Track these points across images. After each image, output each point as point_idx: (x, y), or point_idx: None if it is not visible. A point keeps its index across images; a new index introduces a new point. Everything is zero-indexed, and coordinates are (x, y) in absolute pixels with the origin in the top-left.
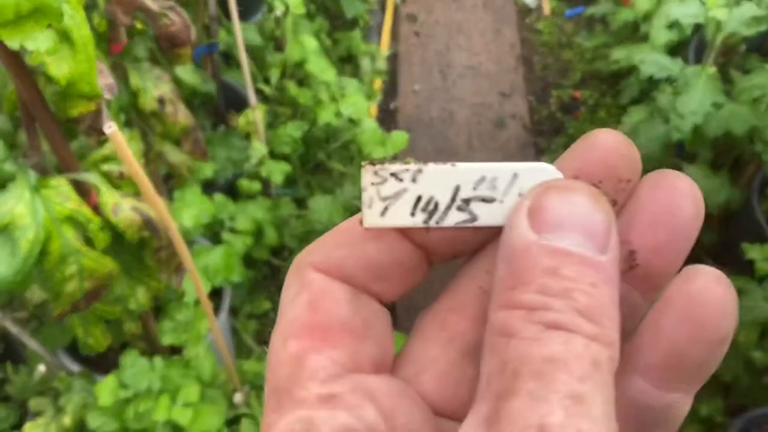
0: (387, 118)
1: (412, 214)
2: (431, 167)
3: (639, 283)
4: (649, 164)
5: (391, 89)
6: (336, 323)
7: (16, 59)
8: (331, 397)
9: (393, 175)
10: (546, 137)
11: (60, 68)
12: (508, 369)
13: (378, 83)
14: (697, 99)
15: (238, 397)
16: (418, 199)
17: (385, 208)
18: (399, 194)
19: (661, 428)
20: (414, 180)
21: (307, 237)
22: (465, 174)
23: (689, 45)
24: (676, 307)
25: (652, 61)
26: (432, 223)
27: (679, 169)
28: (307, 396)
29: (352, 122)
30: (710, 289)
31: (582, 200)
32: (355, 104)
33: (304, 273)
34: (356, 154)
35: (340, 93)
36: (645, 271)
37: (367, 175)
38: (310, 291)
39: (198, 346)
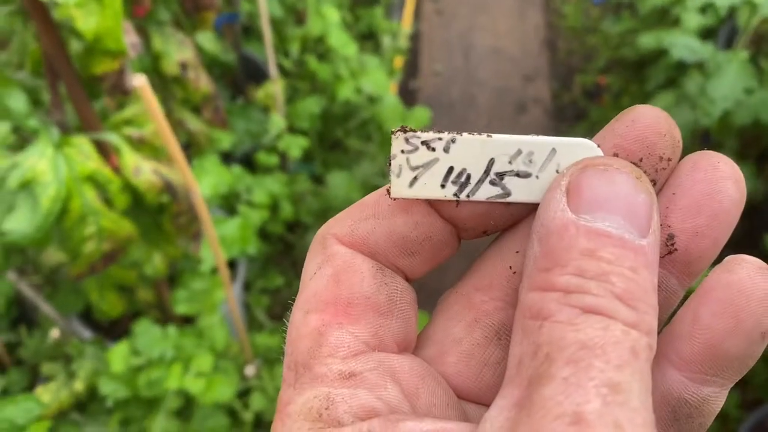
0: (407, 98)
1: (443, 186)
2: (466, 137)
3: (676, 269)
4: None
5: (411, 69)
6: (360, 298)
7: (43, 13)
8: (352, 375)
9: (425, 143)
10: (568, 123)
11: (87, 22)
12: (541, 353)
13: (399, 62)
14: (728, 83)
15: (249, 370)
16: (450, 170)
17: (415, 178)
18: (430, 164)
19: (695, 422)
20: (446, 150)
21: (324, 213)
22: (500, 146)
23: (719, 32)
24: (716, 298)
25: (683, 44)
26: (463, 196)
27: None
28: (327, 372)
29: (372, 100)
30: (753, 280)
31: (623, 179)
32: (376, 81)
33: (327, 245)
34: (375, 131)
35: (360, 69)
36: (683, 256)
37: (397, 142)
38: (333, 264)
39: (212, 315)
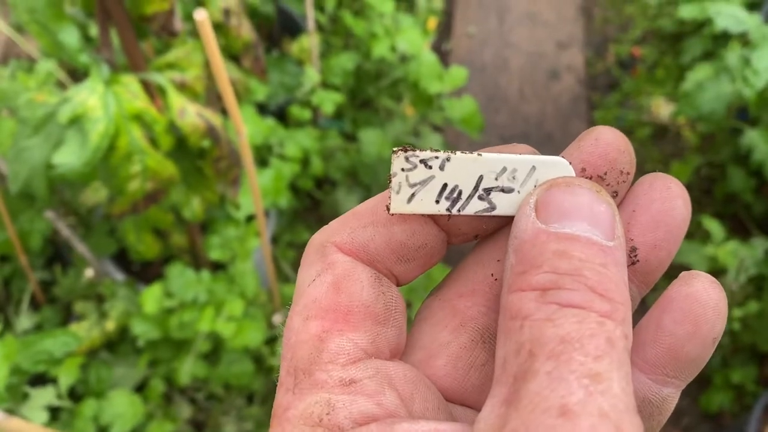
0: (439, 60)
1: (437, 202)
2: (459, 156)
3: (636, 278)
4: (711, 123)
5: (445, 30)
6: (359, 306)
7: None
8: (352, 382)
9: (423, 162)
10: (600, 92)
11: None
12: (524, 350)
13: (432, 23)
14: None
15: (277, 318)
16: (444, 186)
17: (412, 195)
18: (426, 181)
19: (654, 420)
20: (442, 167)
21: (353, 170)
22: (489, 164)
23: (762, 7)
24: (677, 307)
25: (728, 13)
26: (454, 211)
27: (740, 131)
28: (327, 379)
29: (405, 59)
30: (707, 291)
31: (584, 192)
32: (411, 39)
33: (327, 253)
34: (408, 91)
35: (394, 27)
36: (643, 266)
37: (398, 161)
38: (333, 272)
39: (245, 262)
